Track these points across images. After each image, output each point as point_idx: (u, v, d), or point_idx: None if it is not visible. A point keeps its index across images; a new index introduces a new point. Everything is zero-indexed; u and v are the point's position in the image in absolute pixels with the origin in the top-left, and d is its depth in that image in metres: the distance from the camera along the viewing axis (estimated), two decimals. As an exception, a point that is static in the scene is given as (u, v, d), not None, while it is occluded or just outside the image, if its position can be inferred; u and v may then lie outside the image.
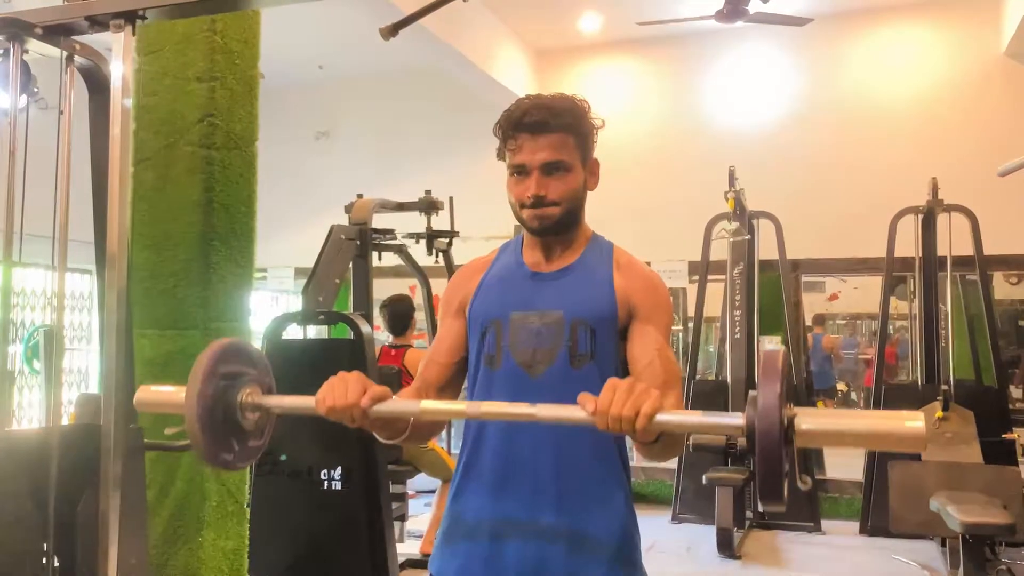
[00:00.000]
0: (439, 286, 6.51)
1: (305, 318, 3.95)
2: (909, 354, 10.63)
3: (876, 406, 5.85)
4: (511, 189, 1.61)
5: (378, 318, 5.43)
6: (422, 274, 5.40)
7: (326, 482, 3.91)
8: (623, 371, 1.58)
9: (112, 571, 2.39)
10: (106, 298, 2.45)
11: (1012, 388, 7.56)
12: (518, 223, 1.65)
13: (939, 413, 5.25)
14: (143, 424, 3.05)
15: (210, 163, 3.36)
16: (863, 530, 5.83)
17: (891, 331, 12.30)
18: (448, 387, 1.67)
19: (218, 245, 3.34)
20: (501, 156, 1.63)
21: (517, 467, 1.55)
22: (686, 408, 6.25)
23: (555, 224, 1.59)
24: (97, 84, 2.55)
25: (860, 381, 12.98)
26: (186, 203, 3.33)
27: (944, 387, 5.31)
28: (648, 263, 6.35)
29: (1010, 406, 5.93)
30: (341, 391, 1.39)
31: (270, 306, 8.36)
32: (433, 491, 5.58)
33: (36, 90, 2.79)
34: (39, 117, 2.58)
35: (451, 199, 5.07)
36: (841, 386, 13.18)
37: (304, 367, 4.03)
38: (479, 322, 1.62)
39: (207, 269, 3.32)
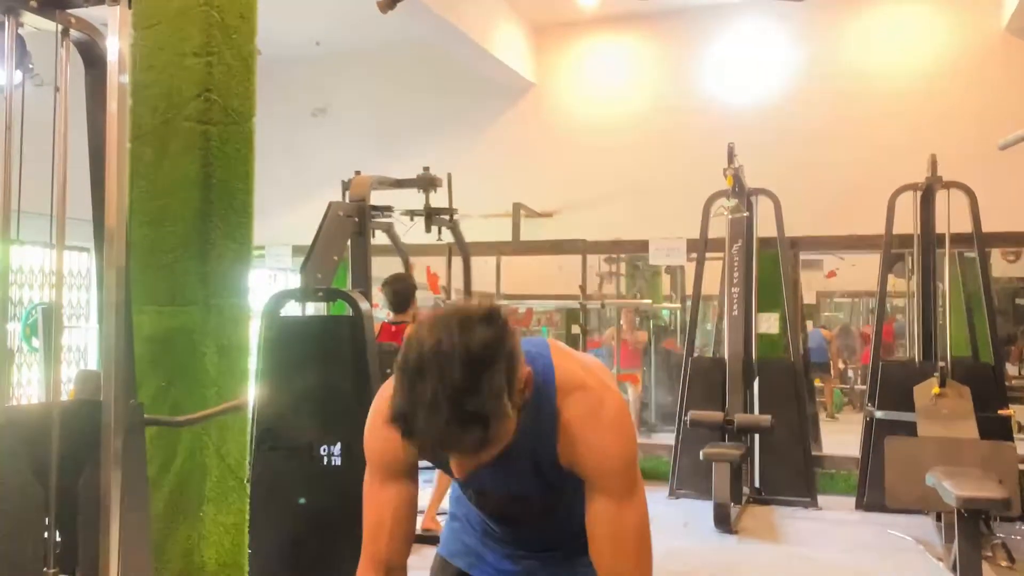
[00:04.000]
0: (437, 264, 6.52)
1: (304, 295, 3.96)
2: (907, 333, 10.72)
3: (874, 383, 5.87)
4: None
5: (377, 295, 5.43)
6: (405, 255, 5.39)
7: (325, 458, 3.94)
8: None
9: (113, 546, 2.41)
10: (105, 276, 2.44)
11: (1008, 365, 7.61)
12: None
13: (936, 389, 5.27)
14: (143, 399, 3.08)
15: (207, 139, 3.34)
16: (859, 505, 5.87)
17: (888, 309, 12.37)
18: (406, 558, 1.50)
19: (216, 221, 3.33)
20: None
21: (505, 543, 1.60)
22: (682, 393, 6.23)
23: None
24: (93, 59, 2.53)
25: (858, 358, 13.01)
26: (184, 179, 3.31)
27: (941, 364, 5.33)
28: (646, 241, 6.30)
29: (1006, 383, 5.97)
30: None
31: (268, 283, 8.36)
32: (434, 467, 5.60)
33: (32, 66, 2.77)
34: (36, 94, 2.56)
35: (449, 176, 5.06)
36: (839, 364, 13.22)
37: (303, 344, 4.04)
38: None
39: (205, 245, 3.31)
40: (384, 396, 1.35)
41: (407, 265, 5.41)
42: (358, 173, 4.63)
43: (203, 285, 3.31)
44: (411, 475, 1.43)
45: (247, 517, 3.50)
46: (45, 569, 2.41)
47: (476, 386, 1.15)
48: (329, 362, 3.96)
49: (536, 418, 1.33)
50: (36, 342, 6.25)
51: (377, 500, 1.43)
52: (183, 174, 3.33)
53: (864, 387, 11.96)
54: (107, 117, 2.40)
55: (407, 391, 1.17)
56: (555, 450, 1.35)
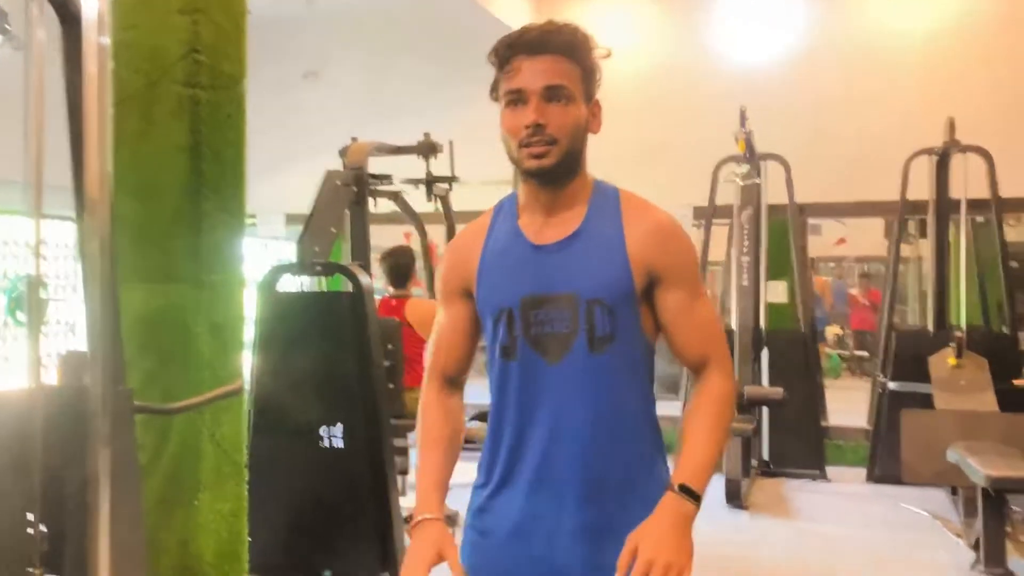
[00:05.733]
0: (436, 233, 6.31)
1: (301, 269, 3.75)
2: (908, 298, 10.59)
3: (886, 353, 5.73)
4: (505, 122, 1.43)
5: (375, 268, 5.23)
6: (419, 222, 5.18)
7: (327, 439, 3.77)
8: (648, 343, 1.48)
9: (103, 544, 2.23)
10: (87, 248, 2.24)
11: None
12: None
13: (952, 360, 5.12)
14: (132, 383, 2.89)
15: (196, 104, 3.12)
16: (870, 477, 5.76)
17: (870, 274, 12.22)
18: (465, 374, 1.62)
19: (207, 192, 3.12)
20: (495, 92, 1.45)
21: (535, 463, 1.45)
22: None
23: (555, 166, 1.41)
24: (69, 16, 2.32)
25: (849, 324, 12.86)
26: (172, 147, 3.10)
27: (958, 334, 5.17)
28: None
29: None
30: None
31: (261, 253, 8.14)
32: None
33: (8, 27, 2.59)
34: (15, 59, 2.37)
35: (451, 143, 4.83)
36: (835, 329, 13.09)
37: (301, 321, 3.85)
38: (488, 313, 1.50)
39: (197, 218, 3.11)
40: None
41: (424, 235, 5.20)
42: (355, 139, 4.40)
43: (195, 261, 3.11)
44: (465, 299, 1.53)
45: (245, 503, 3.34)
46: (30, 569, 2.24)
47: (576, 27, 1.45)
48: (329, 340, 3.77)
49: (601, 203, 1.47)
50: (21, 315, 6.04)
51: (439, 321, 1.58)
52: (171, 141, 3.11)
53: (861, 352, 11.94)
54: (86, 80, 2.18)
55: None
56: (622, 232, 1.43)
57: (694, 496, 1.37)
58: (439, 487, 1.48)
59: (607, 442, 1.42)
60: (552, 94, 1.39)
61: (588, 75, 1.46)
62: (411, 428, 4.94)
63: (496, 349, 1.47)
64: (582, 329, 1.41)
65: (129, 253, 3.13)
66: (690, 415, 1.44)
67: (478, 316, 1.53)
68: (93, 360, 2.29)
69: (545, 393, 1.43)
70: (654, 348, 1.51)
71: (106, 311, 2.32)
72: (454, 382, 1.60)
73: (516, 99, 1.40)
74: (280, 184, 6.78)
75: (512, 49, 1.41)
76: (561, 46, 1.41)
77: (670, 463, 1.49)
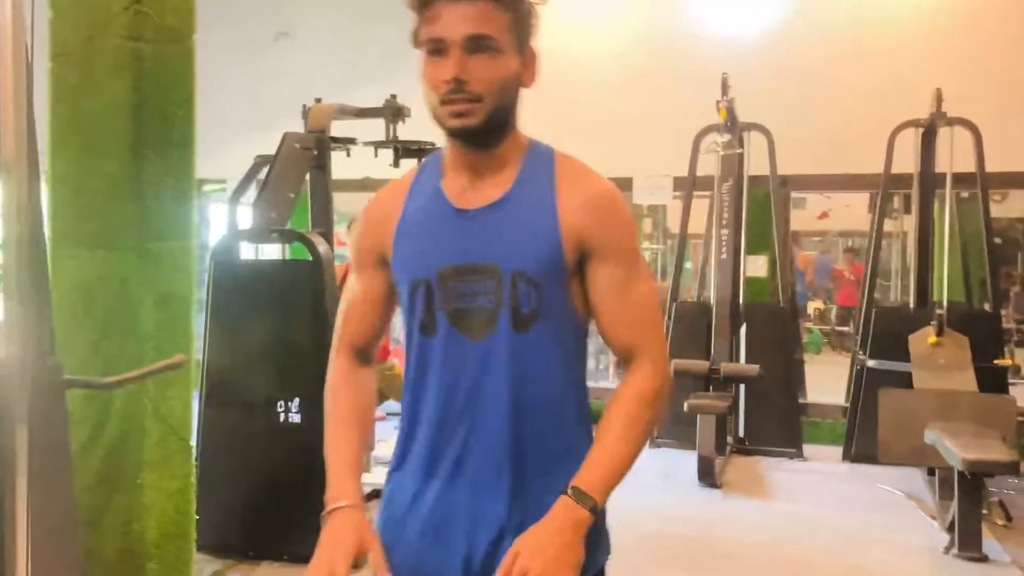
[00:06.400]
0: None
1: (255, 236, 3.59)
2: (891, 272, 10.51)
3: (866, 329, 5.61)
4: (425, 75, 1.26)
5: (344, 236, 5.05)
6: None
7: (282, 414, 3.63)
8: (578, 320, 1.33)
9: (21, 524, 2.07)
10: (5, 212, 2.07)
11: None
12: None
13: (932, 339, 5.01)
14: (71, 355, 2.73)
15: (139, 59, 2.94)
16: (847, 456, 5.66)
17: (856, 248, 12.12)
18: (376, 345, 1.49)
19: (151, 155, 2.95)
20: (416, 39, 1.27)
21: (455, 454, 1.32)
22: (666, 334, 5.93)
23: (480, 125, 1.24)
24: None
25: (834, 299, 12.81)
26: (112, 105, 2.92)
27: (939, 312, 5.06)
28: (630, 178, 5.91)
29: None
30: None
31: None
32: (402, 416, 5.31)
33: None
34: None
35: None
36: (817, 304, 13.03)
37: (257, 291, 3.69)
38: (404, 282, 1.34)
39: (139, 182, 2.94)
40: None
41: None
42: (318, 101, 4.21)
43: (138, 227, 2.93)
44: (380, 266, 1.39)
45: (193, 481, 3.19)
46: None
47: None
48: (286, 311, 3.61)
49: (534, 166, 1.33)
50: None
51: (349, 289, 1.45)
52: (112, 99, 2.93)
53: (844, 328, 11.89)
54: (0, 28, 2.00)
55: None
56: (554, 200, 1.29)
57: (590, 502, 1.22)
58: (353, 469, 1.34)
59: (530, 432, 1.29)
60: (476, 45, 1.22)
61: (520, 21, 1.27)
62: (376, 402, 4.81)
63: (414, 323, 1.33)
64: (506, 304, 1.27)
65: (68, 217, 2.96)
66: (607, 411, 1.30)
67: (394, 285, 1.38)
68: (11, 329, 2.13)
69: (467, 374, 1.29)
70: (587, 329, 1.36)
71: (34, 274, 2.17)
72: (364, 354, 1.46)
73: (436, 49, 1.24)
74: (253, 149, 6.55)
75: None
76: None
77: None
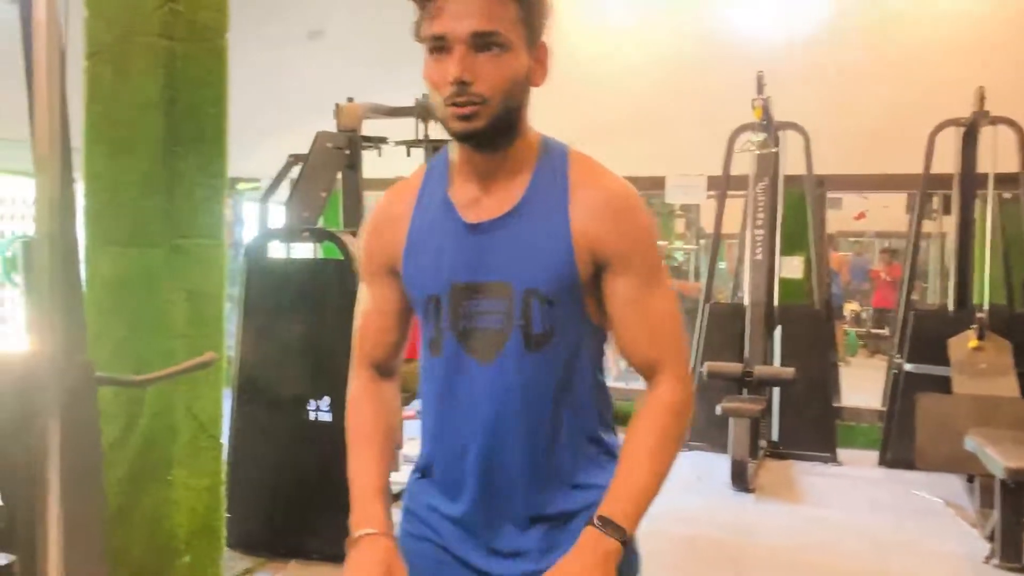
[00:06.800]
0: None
1: (287, 235, 3.59)
2: (929, 274, 10.32)
3: (904, 332, 5.50)
4: (428, 75, 1.17)
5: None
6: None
7: (313, 413, 3.63)
8: (594, 328, 1.26)
9: (52, 527, 2.08)
10: (37, 208, 2.08)
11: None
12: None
13: (973, 342, 4.90)
14: (101, 352, 2.74)
15: (172, 57, 2.95)
16: (882, 461, 5.56)
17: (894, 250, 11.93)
18: (397, 359, 1.42)
19: (182, 151, 2.95)
20: (418, 34, 1.18)
21: (472, 485, 1.27)
22: (697, 341, 5.85)
23: (486, 128, 1.16)
24: (19, -45, 2.12)
25: (870, 302, 12.61)
26: (146, 103, 2.93)
27: (980, 315, 4.94)
28: (662, 178, 5.82)
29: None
30: None
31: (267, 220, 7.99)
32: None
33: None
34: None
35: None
36: (853, 306, 12.84)
37: (289, 290, 3.69)
38: (415, 298, 1.29)
39: (171, 179, 2.94)
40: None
41: None
42: (351, 100, 4.21)
43: (168, 224, 2.94)
44: (391, 276, 1.32)
45: (223, 478, 3.20)
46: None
47: None
48: (317, 310, 3.61)
49: (547, 171, 1.24)
50: (17, 277, 5.93)
51: (362, 301, 1.38)
52: (145, 97, 2.94)
53: (880, 331, 11.69)
54: (34, 24, 2.00)
55: None
56: (566, 207, 1.21)
57: (619, 531, 1.15)
58: (379, 493, 1.27)
59: (543, 453, 1.24)
60: (481, 42, 1.13)
61: (531, 13, 1.17)
62: (405, 401, 4.80)
63: (425, 339, 1.29)
64: (516, 325, 1.21)
65: (101, 215, 2.97)
66: (631, 432, 1.24)
67: (407, 294, 1.32)
68: (45, 327, 2.14)
69: (473, 400, 1.24)
70: (605, 335, 1.30)
71: (67, 272, 2.17)
72: (386, 370, 1.39)
73: (440, 46, 1.15)
74: (287, 147, 6.58)
75: None
76: None
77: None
